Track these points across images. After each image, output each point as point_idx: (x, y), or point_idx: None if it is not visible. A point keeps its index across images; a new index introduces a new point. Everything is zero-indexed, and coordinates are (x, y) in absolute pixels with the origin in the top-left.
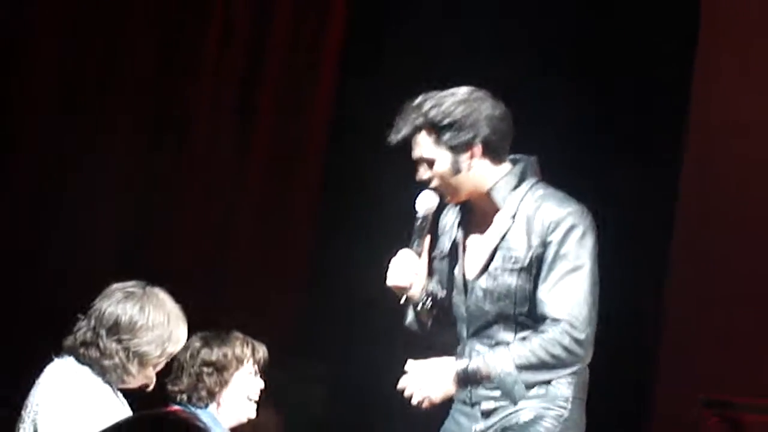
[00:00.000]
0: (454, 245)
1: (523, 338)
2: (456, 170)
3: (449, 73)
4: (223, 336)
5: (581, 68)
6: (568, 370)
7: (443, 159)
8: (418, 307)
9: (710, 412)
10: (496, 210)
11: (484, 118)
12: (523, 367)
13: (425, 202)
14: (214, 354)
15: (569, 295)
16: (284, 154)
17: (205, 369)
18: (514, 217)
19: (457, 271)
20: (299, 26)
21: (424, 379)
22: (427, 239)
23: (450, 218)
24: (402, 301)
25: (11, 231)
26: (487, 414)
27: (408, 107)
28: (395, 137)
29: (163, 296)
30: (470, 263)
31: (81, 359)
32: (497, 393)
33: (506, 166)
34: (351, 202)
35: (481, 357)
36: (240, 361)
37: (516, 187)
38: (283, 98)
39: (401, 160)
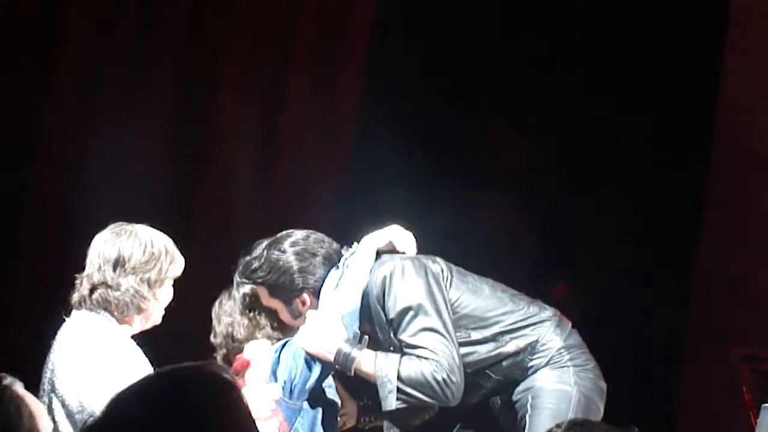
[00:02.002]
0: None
1: (418, 356)
2: (296, 315)
3: None
4: None
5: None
6: (443, 401)
7: (281, 308)
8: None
9: (745, 366)
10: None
11: (306, 270)
12: (405, 380)
13: None
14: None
15: (422, 341)
16: None
17: (249, 314)
18: (370, 316)
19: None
20: None
21: (316, 332)
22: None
23: None
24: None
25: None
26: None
27: (240, 265)
28: (239, 293)
29: (152, 230)
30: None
31: (93, 306)
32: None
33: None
34: None
35: (372, 354)
36: None
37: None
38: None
39: None
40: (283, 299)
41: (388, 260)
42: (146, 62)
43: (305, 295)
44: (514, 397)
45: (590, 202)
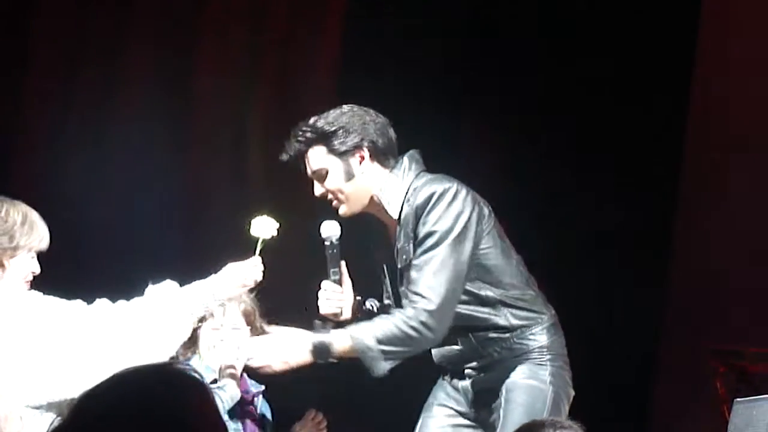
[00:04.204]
0: (379, 257)
1: (388, 314)
2: (349, 176)
3: None
4: None
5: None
6: (426, 345)
7: (336, 167)
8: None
9: (718, 361)
10: (389, 216)
11: (367, 123)
12: (384, 341)
13: (328, 231)
14: None
15: (427, 272)
16: None
17: None
18: (399, 219)
19: (389, 279)
20: None
21: (279, 348)
22: (343, 264)
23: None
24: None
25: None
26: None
27: (298, 126)
28: (288, 154)
29: (21, 204)
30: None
31: None
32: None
33: (390, 171)
34: None
35: (344, 330)
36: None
37: (400, 187)
38: None
39: None
40: (343, 153)
41: (444, 180)
42: (118, 61)
43: (365, 149)
44: (488, 385)
45: (564, 200)
